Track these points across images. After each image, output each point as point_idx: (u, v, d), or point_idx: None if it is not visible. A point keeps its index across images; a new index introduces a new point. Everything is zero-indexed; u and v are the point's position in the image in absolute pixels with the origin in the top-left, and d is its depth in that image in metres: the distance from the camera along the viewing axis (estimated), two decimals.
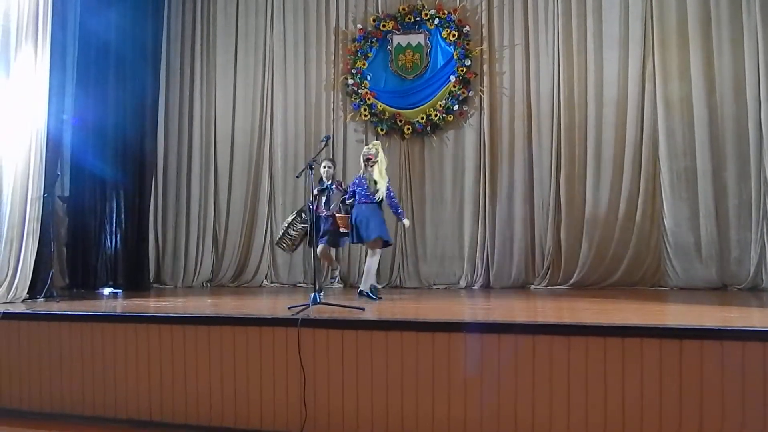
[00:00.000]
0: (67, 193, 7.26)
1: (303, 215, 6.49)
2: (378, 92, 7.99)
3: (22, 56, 5.74)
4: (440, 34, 7.85)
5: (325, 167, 6.51)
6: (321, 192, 6.40)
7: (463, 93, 7.72)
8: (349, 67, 8.08)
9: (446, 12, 7.81)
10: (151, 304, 5.70)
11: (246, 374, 3.98)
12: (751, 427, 3.19)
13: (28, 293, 5.67)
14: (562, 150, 7.38)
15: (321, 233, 6.31)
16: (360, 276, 7.29)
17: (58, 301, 5.59)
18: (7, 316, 4.59)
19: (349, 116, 8.14)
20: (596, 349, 3.42)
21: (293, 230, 6.48)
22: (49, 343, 4.43)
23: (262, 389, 3.94)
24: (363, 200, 6.00)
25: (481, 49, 7.73)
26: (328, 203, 6.41)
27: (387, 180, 6.07)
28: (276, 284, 8.15)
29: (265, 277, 8.25)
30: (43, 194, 5.84)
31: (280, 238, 6.63)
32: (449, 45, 7.81)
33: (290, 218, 6.59)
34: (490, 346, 3.59)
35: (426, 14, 7.87)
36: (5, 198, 5.61)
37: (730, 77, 6.88)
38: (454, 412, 3.60)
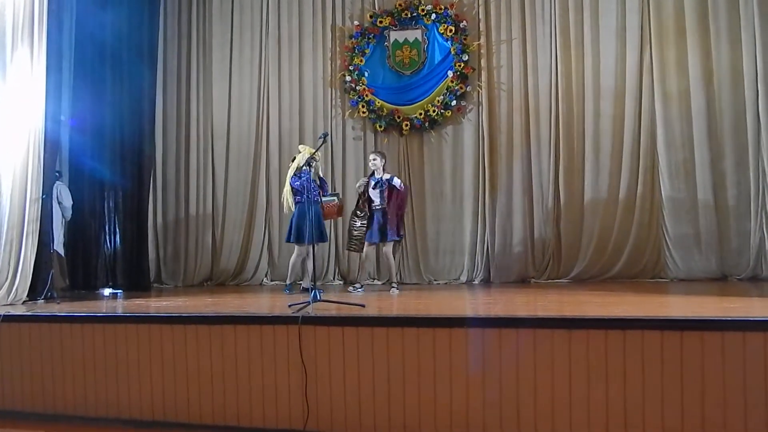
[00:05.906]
0: None
1: (358, 213, 6.53)
2: (376, 89, 7.98)
3: (18, 57, 5.71)
4: (437, 29, 7.83)
5: (372, 160, 6.56)
6: (375, 185, 6.45)
7: (461, 88, 7.71)
8: (346, 63, 8.06)
9: (443, 7, 7.79)
10: (151, 304, 5.70)
11: (248, 372, 3.98)
12: (753, 418, 3.20)
13: (28, 295, 5.65)
14: (560, 143, 7.38)
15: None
16: (358, 272, 7.27)
17: (58, 303, 5.58)
18: (8, 318, 4.58)
19: (347, 113, 8.13)
20: (597, 341, 3.42)
21: (356, 231, 6.52)
22: (50, 345, 4.42)
23: (264, 387, 3.94)
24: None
25: (479, 44, 7.72)
26: (381, 197, 6.43)
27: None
28: (276, 282, 8.14)
29: (265, 276, 8.25)
30: (42, 195, 5.81)
31: (349, 243, 6.70)
32: (446, 40, 7.79)
33: (351, 221, 6.63)
34: (491, 341, 3.59)
35: (423, 10, 7.85)
36: (4, 199, 5.58)
37: (727, 68, 6.88)
38: (455, 407, 3.60)
